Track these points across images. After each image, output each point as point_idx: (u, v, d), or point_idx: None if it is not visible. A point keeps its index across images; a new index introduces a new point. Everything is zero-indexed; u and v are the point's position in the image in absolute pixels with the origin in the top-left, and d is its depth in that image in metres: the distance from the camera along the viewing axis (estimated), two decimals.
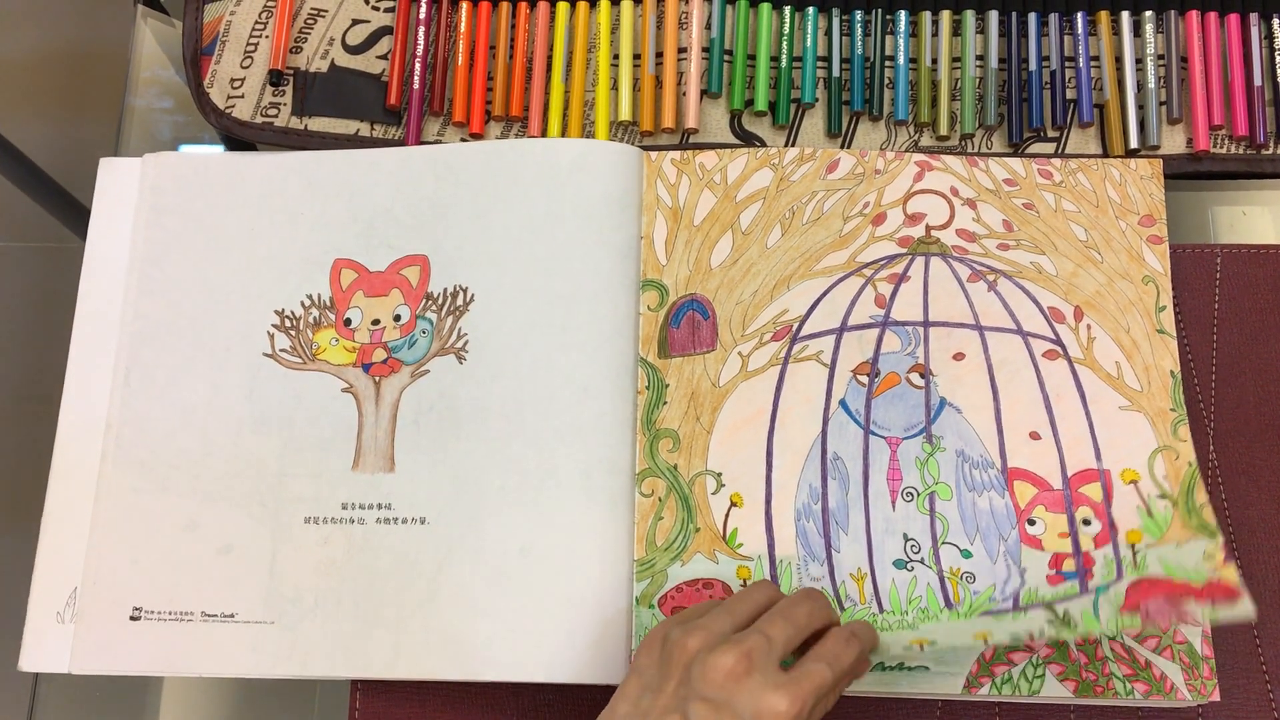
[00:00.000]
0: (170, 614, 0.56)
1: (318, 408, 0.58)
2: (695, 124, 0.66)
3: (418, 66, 0.67)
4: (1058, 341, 0.58)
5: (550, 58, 0.67)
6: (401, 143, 0.66)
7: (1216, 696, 0.53)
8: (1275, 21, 0.67)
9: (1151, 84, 0.66)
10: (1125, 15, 0.67)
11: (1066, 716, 0.56)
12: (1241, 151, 0.65)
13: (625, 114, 0.66)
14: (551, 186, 0.60)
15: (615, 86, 0.67)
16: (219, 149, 0.68)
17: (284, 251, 0.61)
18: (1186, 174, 0.65)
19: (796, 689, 0.44)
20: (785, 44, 0.67)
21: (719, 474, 0.56)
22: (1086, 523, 0.55)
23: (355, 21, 0.69)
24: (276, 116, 0.67)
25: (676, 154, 0.62)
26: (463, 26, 0.68)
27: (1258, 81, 0.65)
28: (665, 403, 0.58)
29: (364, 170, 0.62)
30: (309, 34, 0.69)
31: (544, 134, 0.66)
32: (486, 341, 0.59)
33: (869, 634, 0.50)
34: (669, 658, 0.46)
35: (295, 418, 0.58)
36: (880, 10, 0.67)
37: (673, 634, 0.47)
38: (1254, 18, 0.66)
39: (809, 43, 0.67)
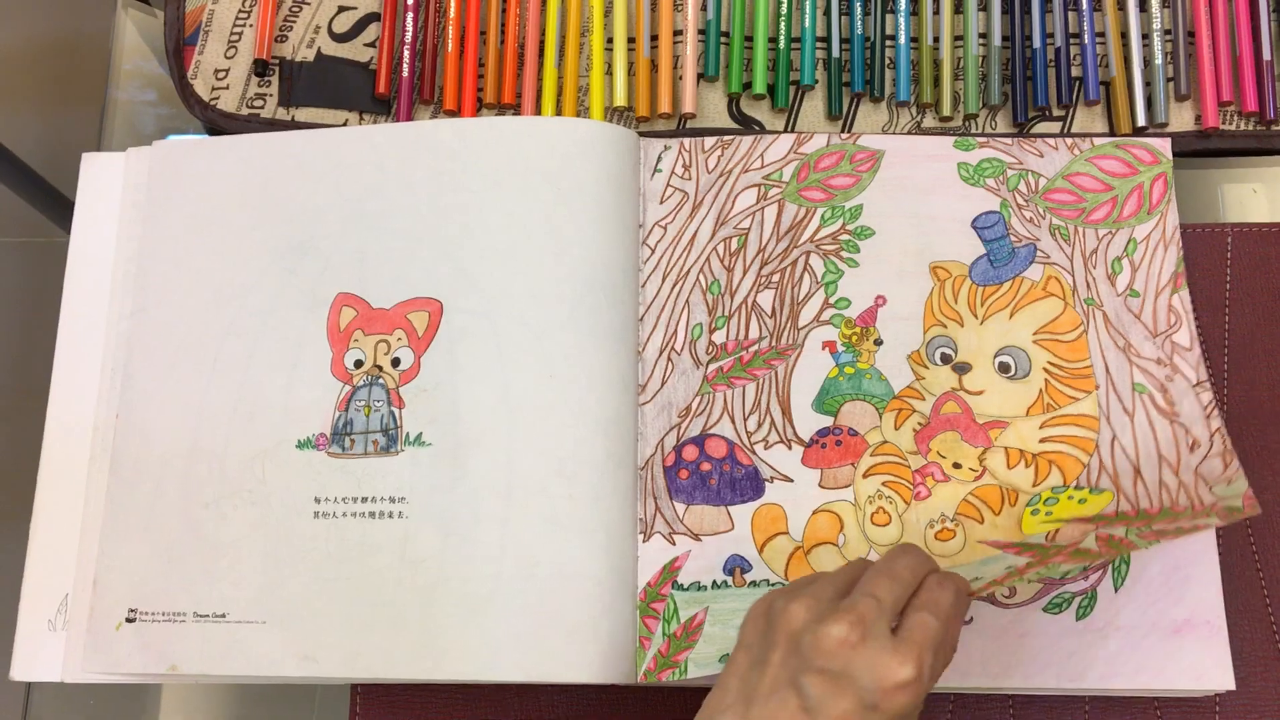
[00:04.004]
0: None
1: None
2: (693, 109, 0.64)
3: (406, 54, 0.65)
4: None
5: (542, 42, 0.66)
6: None
7: (1233, 685, 0.52)
8: None
9: (1158, 60, 0.64)
10: None
11: (1082, 708, 0.55)
12: (1251, 128, 0.64)
13: (620, 99, 0.65)
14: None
15: (610, 71, 0.65)
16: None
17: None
18: (1195, 151, 0.64)
19: (913, 649, 0.42)
20: (783, 24, 0.65)
21: None
22: None
23: (341, 8, 0.67)
24: (263, 108, 0.65)
25: None
26: (452, 11, 0.66)
27: (1267, 55, 0.64)
28: None
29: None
30: (294, 22, 0.67)
31: None
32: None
33: (958, 576, 0.47)
34: (774, 628, 0.44)
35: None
36: None
37: (777, 604, 0.45)
38: None
39: (807, 23, 0.65)
